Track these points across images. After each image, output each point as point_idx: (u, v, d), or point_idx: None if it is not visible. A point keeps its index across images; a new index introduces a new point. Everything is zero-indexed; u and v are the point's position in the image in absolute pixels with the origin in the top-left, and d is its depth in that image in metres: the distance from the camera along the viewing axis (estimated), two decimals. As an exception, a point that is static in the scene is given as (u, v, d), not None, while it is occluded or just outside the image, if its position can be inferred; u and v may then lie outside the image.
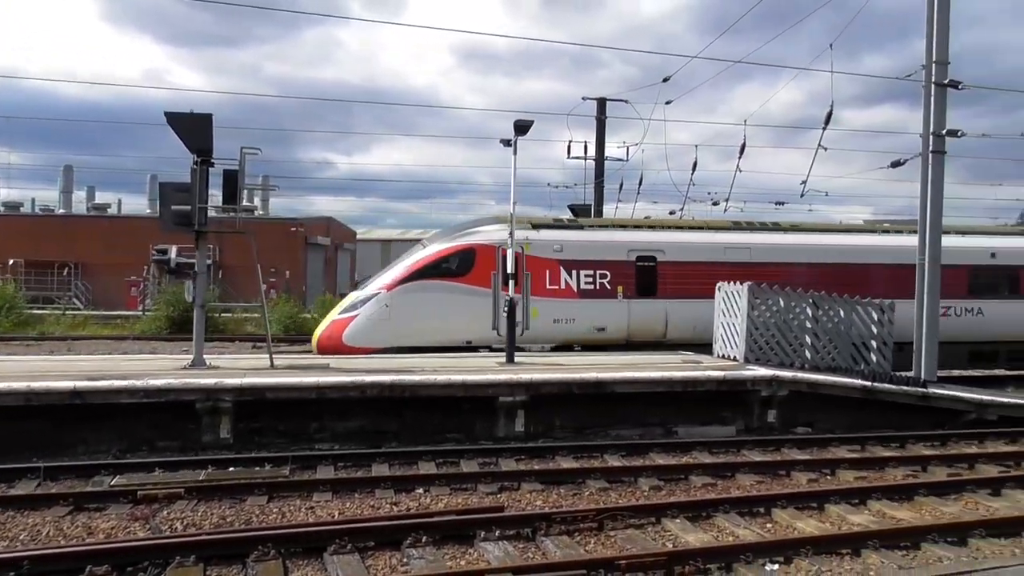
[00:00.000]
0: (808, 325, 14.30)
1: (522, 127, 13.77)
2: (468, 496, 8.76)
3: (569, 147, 30.12)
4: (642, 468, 9.74)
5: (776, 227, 19.03)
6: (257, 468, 9.62)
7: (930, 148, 14.14)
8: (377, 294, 16.27)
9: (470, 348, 16.22)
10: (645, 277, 17.23)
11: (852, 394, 13.12)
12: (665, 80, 23.05)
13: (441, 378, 11.80)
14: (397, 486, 8.90)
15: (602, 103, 29.30)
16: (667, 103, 26.44)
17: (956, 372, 18.91)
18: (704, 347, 16.09)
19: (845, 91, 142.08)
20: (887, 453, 11.22)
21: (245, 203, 12.42)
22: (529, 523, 7.49)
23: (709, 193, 28.88)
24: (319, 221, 53.03)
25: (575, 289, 16.85)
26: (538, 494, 8.81)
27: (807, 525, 7.81)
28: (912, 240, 15.35)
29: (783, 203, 30.06)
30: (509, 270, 14.53)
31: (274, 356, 13.64)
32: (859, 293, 14.97)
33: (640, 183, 29.48)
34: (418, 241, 19.29)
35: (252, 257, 13.31)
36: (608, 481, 9.31)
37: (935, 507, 8.67)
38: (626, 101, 28.91)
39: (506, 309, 14.07)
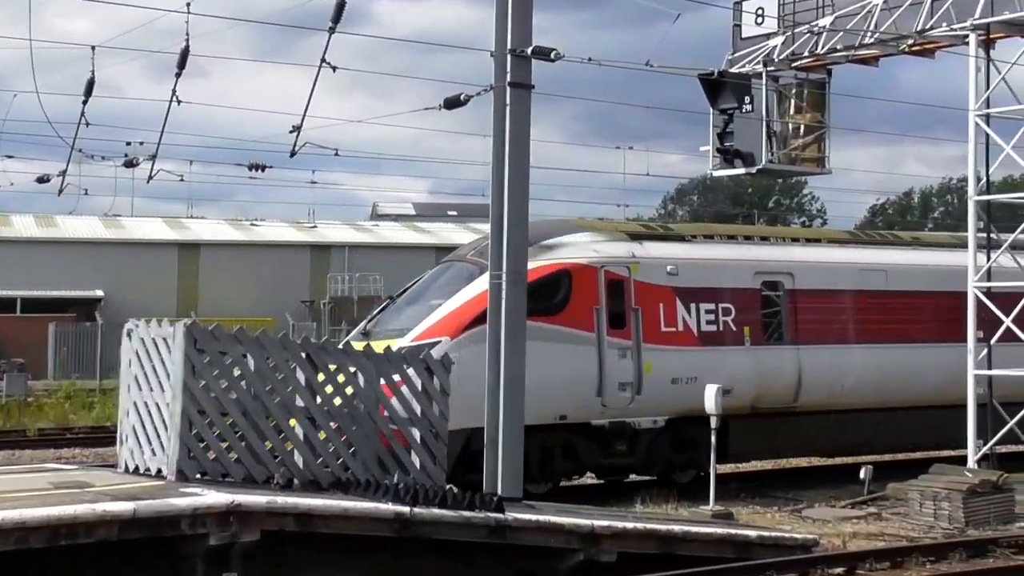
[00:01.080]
0: (301, 403, 12.45)
1: None
2: None
3: None
4: None
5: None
6: None
7: (508, 78, 13.47)
8: (436, 342, 15.55)
9: (564, 427, 16.13)
10: (773, 312, 17.95)
11: (378, 530, 11.59)
12: None
13: None
14: None
15: None
16: None
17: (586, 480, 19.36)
18: (846, 415, 17.44)
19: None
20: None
21: None
22: None
23: None
24: None
25: (695, 332, 17.10)
26: None
27: None
28: None
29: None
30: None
31: None
32: None
33: None
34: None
35: None
36: None
37: None
38: None
39: None
